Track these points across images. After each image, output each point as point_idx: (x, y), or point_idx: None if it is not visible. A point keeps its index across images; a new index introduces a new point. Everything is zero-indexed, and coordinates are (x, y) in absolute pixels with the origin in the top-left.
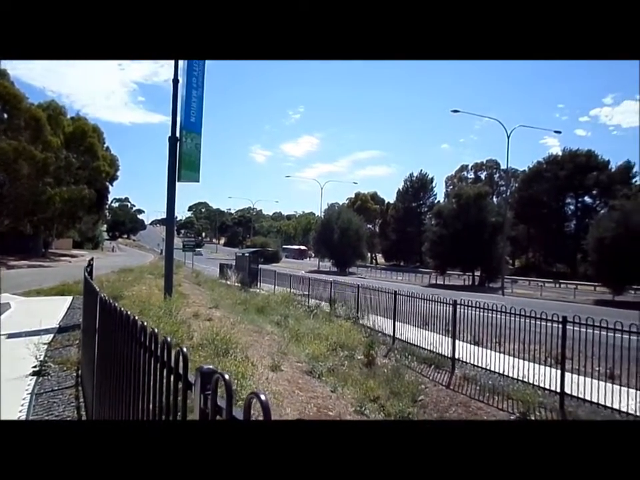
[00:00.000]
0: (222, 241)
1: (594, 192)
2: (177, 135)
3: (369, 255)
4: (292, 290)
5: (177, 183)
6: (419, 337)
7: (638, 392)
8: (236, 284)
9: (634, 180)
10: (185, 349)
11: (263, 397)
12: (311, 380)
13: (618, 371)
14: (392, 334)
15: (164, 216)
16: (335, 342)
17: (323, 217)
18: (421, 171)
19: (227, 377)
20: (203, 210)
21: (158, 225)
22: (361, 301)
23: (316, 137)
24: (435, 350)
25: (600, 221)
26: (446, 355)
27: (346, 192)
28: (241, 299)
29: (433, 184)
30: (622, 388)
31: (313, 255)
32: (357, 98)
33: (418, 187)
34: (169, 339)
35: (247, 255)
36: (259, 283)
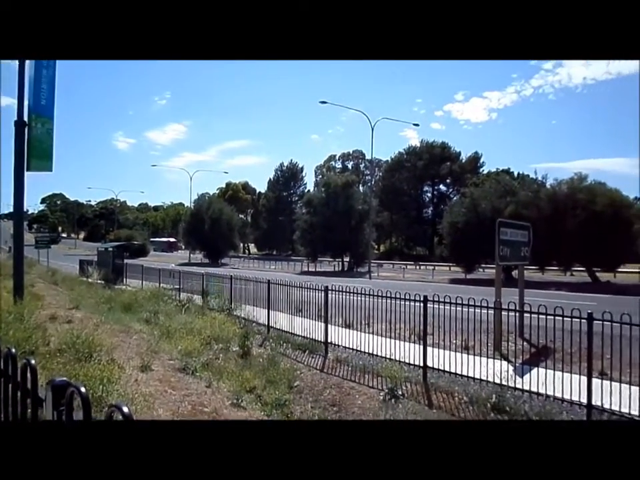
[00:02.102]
0: (82, 236)
1: (448, 180)
2: (25, 119)
3: (242, 245)
4: (161, 284)
5: (26, 173)
6: (293, 324)
7: (489, 360)
8: (99, 281)
9: (481, 169)
10: (32, 361)
11: (125, 410)
12: (185, 377)
13: (472, 342)
14: (267, 323)
15: (12, 209)
16: (209, 335)
17: (192, 207)
18: (291, 160)
19: (82, 389)
20: (59, 202)
21: (5, 219)
22: (235, 291)
23: (184, 125)
24: (308, 336)
25: (453, 207)
26: (319, 339)
27: (216, 182)
28: (104, 297)
29: (303, 173)
30: (476, 357)
31: (183, 247)
32: (226, 86)
33: (289, 176)
34: (13, 350)
35: (111, 249)
36: (124, 279)
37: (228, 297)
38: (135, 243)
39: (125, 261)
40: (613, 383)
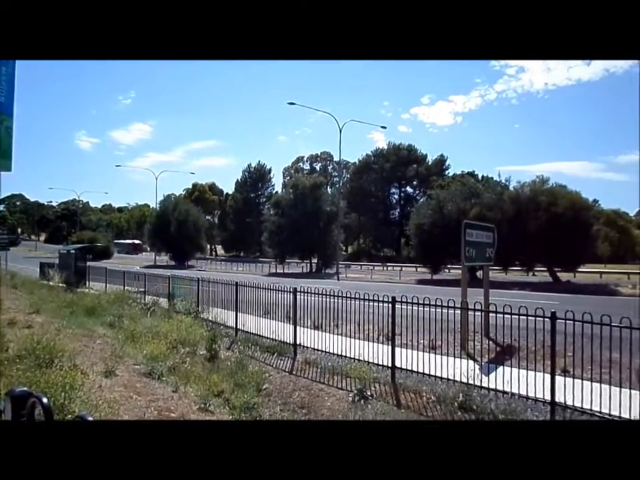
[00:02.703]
0: (42, 237)
1: (414, 182)
2: None
3: (209, 246)
4: (126, 287)
5: None
6: (262, 326)
7: (456, 359)
8: (60, 285)
9: (447, 172)
10: None
11: (90, 419)
12: (151, 382)
13: (439, 342)
14: (235, 326)
15: None
16: (176, 339)
17: (158, 208)
18: (259, 161)
19: (44, 400)
20: (18, 203)
21: None
22: (202, 294)
23: (149, 125)
24: (277, 338)
25: (419, 208)
26: (288, 341)
27: (182, 182)
28: (67, 301)
29: (271, 175)
30: (443, 357)
31: (149, 249)
32: (193, 86)
33: (256, 177)
34: None
35: (73, 251)
36: (87, 282)
37: (195, 300)
38: (98, 245)
39: (88, 263)
40: (575, 380)
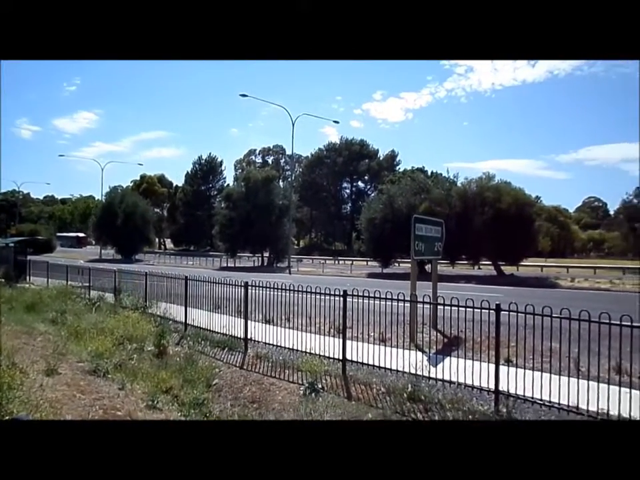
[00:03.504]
0: None
1: (366, 177)
2: None
3: (157, 240)
4: (70, 282)
5: None
6: (212, 321)
7: (405, 351)
8: None
9: (398, 167)
10: None
11: (27, 420)
12: (96, 380)
13: (389, 334)
14: (184, 321)
15: None
16: (122, 335)
17: (104, 200)
18: (210, 154)
19: None
20: None
21: None
22: (150, 289)
23: (95, 114)
24: (228, 332)
25: (370, 203)
26: (239, 336)
27: (130, 174)
28: (5, 297)
29: (223, 167)
30: (392, 349)
31: (94, 242)
32: (142, 74)
33: (207, 170)
34: None
35: (12, 245)
36: (28, 277)
37: (142, 295)
38: (40, 238)
39: (29, 257)
40: (518, 369)
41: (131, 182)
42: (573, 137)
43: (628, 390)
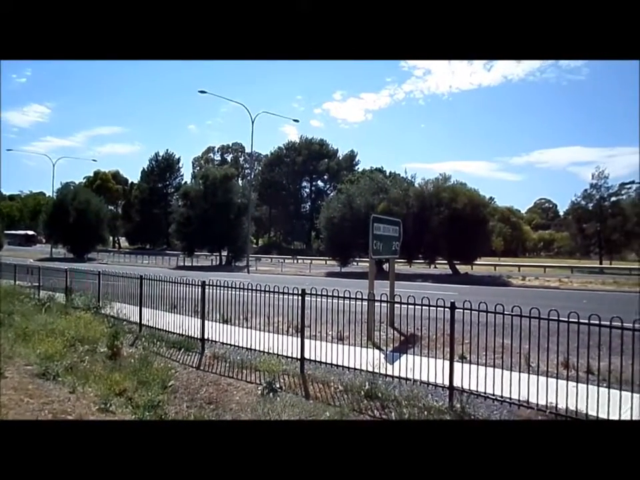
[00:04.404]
0: None
1: (325, 177)
2: None
3: (111, 238)
4: (18, 282)
5: None
6: (168, 321)
7: (363, 349)
8: None
9: (357, 167)
10: None
11: None
12: (45, 383)
13: (347, 333)
14: (139, 321)
15: None
16: (74, 336)
17: (55, 197)
18: (167, 150)
19: None
20: None
21: None
22: (103, 288)
23: (47, 107)
24: (184, 333)
25: (329, 202)
26: (196, 336)
27: (84, 170)
28: None
29: (180, 164)
30: (350, 347)
31: (44, 240)
32: (96, 67)
33: (164, 167)
34: None
35: None
36: None
37: (95, 295)
38: None
39: None
40: (472, 365)
41: (84, 178)
42: (525, 140)
43: (575, 384)
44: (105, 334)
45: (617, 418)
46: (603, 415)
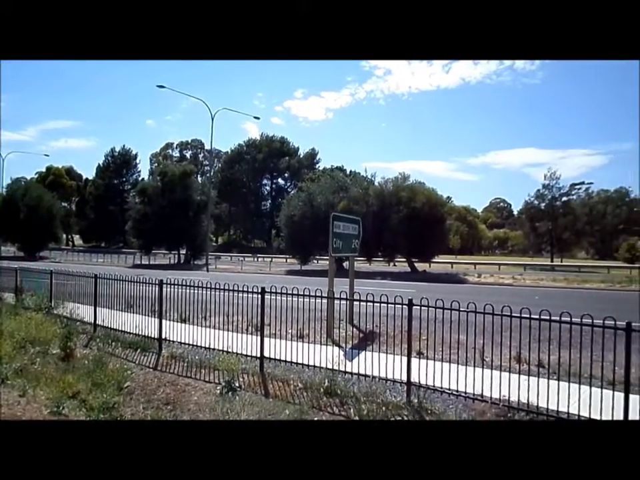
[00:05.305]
0: None
1: (286, 175)
2: None
3: (65, 236)
4: None
5: None
6: (124, 321)
7: (322, 346)
8: None
9: (317, 165)
10: None
11: None
12: None
13: (307, 331)
14: (93, 321)
15: None
16: (24, 338)
17: (4, 193)
18: (124, 146)
19: None
20: None
21: None
22: (56, 288)
23: None
24: (141, 333)
25: (290, 200)
26: (153, 336)
27: (35, 165)
28: None
29: (137, 160)
30: (310, 345)
31: None
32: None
33: (120, 162)
34: None
35: None
36: None
37: (47, 295)
38: None
39: None
40: (429, 361)
41: (36, 174)
42: (481, 141)
43: (527, 377)
44: (58, 335)
45: (565, 410)
46: (552, 407)
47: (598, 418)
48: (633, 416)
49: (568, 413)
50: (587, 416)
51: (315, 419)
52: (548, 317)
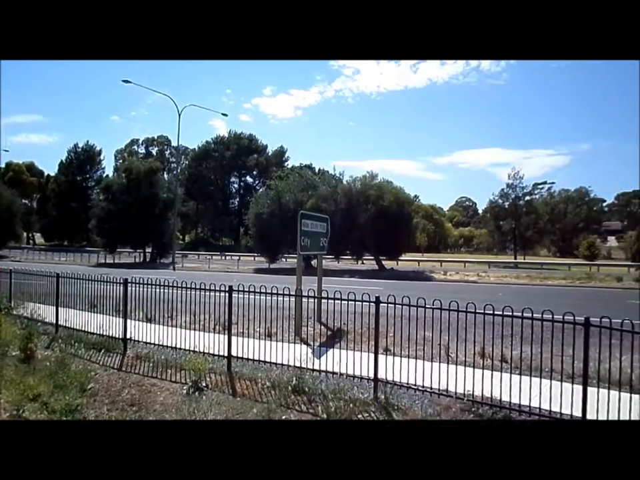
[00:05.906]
0: None
1: (254, 172)
2: None
3: (25, 234)
4: None
5: None
6: (88, 321)
7: (290, 344)
8: None
9: (286, 163)
10: None
11: None
12: None
13: (275, 329)
14: (55, 322)
15: None
16: None
17: None
18: (88, 142)
19: None
20: None
21: None
22: (15, 288)
23: None
24: (105, 333)
25: (258, 198)
26: (117, 336)
27: None
28: None
29: (101, 157)
30: (278, 343)
31: None
32: None
33: (84, 159)
34: None
35: None
36: None
37: (7, 295)
38: None
39: None
40: (395, 358)
41: None
42: (447, 141)
43: (490, 372)
44: (18, 336)
45: (526, 403)
46: (515, 401)
47: (558, 410)
48: (590, 408)
49: (530, 406)
50: (548, 408)
51: (283, 417)
52: (510, 313)
